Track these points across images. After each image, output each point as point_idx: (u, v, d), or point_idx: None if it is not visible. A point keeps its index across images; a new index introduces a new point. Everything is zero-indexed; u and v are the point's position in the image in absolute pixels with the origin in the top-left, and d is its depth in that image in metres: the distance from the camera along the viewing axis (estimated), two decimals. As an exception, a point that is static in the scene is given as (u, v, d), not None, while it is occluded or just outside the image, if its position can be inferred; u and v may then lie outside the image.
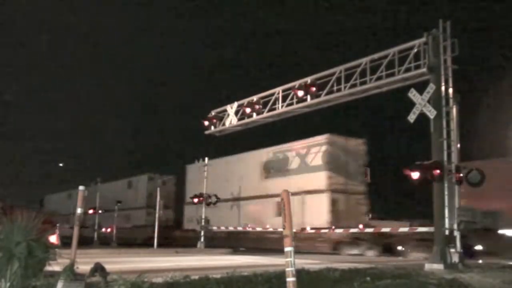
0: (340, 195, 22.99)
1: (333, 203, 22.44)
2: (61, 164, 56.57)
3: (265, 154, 26.93)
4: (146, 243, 29.30)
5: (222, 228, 27.51)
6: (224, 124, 22.50)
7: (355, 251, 21.73)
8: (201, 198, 25.88)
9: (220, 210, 26.99)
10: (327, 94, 17.60)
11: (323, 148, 23.21)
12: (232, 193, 28.28)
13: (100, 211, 34.63)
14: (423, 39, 13.91)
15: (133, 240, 31.98)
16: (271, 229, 24.20)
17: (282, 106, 19.54)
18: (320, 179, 22.97)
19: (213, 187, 26.69)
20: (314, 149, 23.81)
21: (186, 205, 31.71)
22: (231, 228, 27.37)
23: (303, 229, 22.24)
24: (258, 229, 25.68)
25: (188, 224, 31.71)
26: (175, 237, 32.39)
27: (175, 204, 35.79)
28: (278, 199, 24.09)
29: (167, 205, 31.80)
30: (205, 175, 26.45)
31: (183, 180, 33.21)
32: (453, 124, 13.33)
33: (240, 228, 26.97)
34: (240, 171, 28.33)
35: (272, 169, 26.20)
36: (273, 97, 19.88)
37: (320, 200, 22.60)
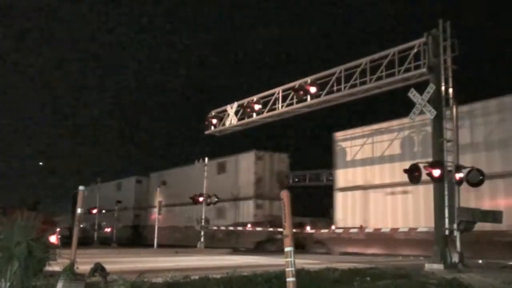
0: None
1: None
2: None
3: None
4: (260, 249, 23.40)
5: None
6: (224, 124, 22.50)
7: None
8: (202, 199, 25.81)
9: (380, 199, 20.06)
10: (327, 94, 17.59)
11: None
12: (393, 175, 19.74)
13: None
14: (423, 39, 13.88)
15: (235, 244, 23.98)
16: None
17: (282, 106, 19.52)
18: None
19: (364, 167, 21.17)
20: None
21: (339, 191, 22.48)
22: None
23: None
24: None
25: (343, 220, 21.56)
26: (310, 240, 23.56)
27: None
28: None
29: (277, 196, 27.27)
30: (205, 174, 26.40)
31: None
32: (453, 124, 13.35)
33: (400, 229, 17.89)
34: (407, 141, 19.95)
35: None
36: (273, 97, 19.86)
37: None
